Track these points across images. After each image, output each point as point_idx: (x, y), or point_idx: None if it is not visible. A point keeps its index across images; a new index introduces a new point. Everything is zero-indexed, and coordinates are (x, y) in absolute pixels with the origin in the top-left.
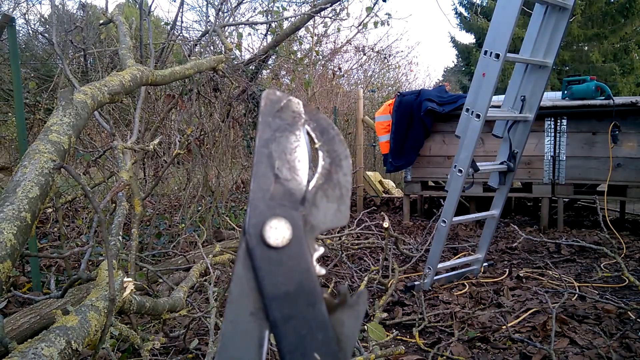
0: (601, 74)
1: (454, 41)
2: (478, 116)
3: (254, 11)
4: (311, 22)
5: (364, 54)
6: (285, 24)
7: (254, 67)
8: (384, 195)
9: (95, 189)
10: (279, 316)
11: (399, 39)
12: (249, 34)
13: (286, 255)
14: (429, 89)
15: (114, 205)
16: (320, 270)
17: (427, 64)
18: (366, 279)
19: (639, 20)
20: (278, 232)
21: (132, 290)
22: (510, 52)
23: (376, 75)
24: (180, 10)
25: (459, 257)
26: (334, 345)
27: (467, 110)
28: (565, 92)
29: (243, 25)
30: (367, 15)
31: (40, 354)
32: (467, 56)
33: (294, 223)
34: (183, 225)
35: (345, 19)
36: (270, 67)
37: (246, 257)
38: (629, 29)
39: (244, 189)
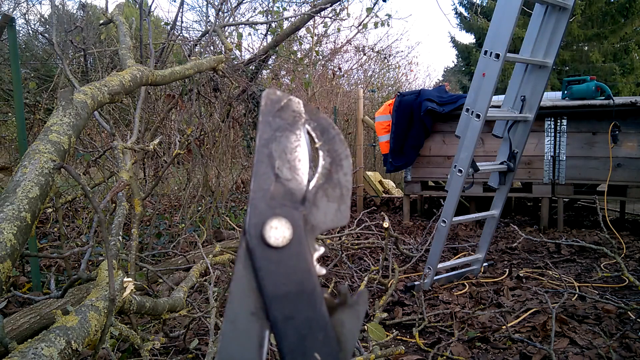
0: (601, 74)
1: (454, 41)
2: (478, 116)
3: (254, 11)
4: (311, 22)
5: (364, 54)
6: (285, 24)
7: (254, 67)
8: (384, 195)
9: (95, 189)
10: (280, 316)
11: (399, 39)
12: (249, 34)
13: (286, 255)
14: (429, 89)
15: (114, 205)
16: (321, 270)
17: (427, 64)
18: (366, 279)
19: (639, 20)
20: (278, 231)
21: (132, 290)
22: (510, 52)
23: (376, 75)
24: (180, 10)
25: (459, 257)
26: (335, 345)
27: (467, 110)
28: (565, 92)
29: (243, 25)
30: (367, 16)
31: (40, 354)
32: (467, 56)
33: (295, 223)
34: (183, 225)
35: (345, 19)
36: (270, 67)
37: (246, 257)
38: (629, 29)
39: (244, 189)
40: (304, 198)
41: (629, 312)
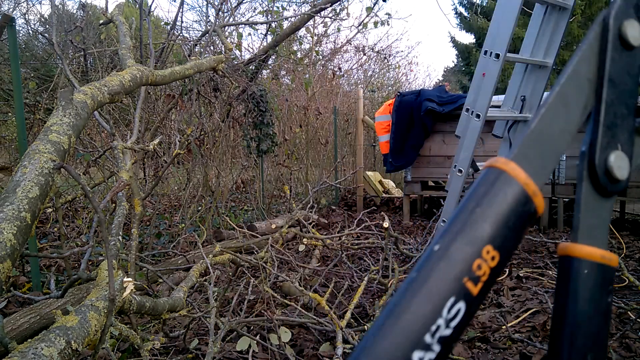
0: None
1: (454, 41)
2: (478, 116)
3: (254, 11)
4: (311, 22)
5: (364, 54)
6: (285, 24)
7: (254, 67)
8: (384, 195)
9: (95, 189)
10: (608, 98)
11: (399, 39)
12: (249, 34)
13: (633, 56)
14: (429, 89)
15: (114, 205)
16: None
17: (427, 64)
18: (366, 279)
19: None
20: (636, 31)
21: (132, 290)
22: (510, 52)
23: (376, 75)
24: (180, 10)
25: None
26: (630, 148)
27: (467, 110)
28: None
29: (243, 25)
30: (367, 15)
31: (40, 354)
32: (467, 56)
33: None
34: (183, 225)
35: (345, 19)
36: (270, 67)
37: (598, 43)
38: None
39: (244, 189)
40: None
41: (629, 312)
